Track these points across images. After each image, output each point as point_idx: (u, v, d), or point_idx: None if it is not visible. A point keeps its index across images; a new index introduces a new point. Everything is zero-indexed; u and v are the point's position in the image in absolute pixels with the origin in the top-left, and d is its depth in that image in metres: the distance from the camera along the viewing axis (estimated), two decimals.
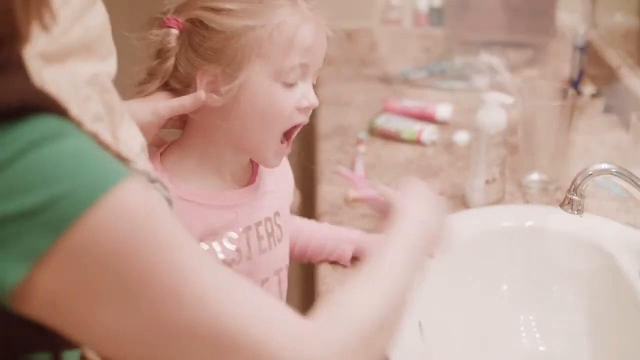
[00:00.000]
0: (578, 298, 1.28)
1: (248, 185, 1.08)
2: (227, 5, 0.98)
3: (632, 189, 1.14)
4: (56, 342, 0.61)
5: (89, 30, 0.69)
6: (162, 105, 0.99)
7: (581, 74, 1.83)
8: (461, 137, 1.66)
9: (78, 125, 0.59)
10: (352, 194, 1.45)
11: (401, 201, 0.92)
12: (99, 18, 0.71)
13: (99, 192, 0.55)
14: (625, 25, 1.88)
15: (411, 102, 1.81)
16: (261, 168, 1.09)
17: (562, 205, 1.17)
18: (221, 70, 0.98)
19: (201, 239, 1.00)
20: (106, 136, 0.64)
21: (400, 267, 0.80)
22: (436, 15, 2.18)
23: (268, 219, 1.09)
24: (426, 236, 0.88)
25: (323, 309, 0.72)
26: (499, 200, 1.41)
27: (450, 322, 1.19)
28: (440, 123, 1.73)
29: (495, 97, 1.38)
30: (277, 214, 1.10)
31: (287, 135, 1.04)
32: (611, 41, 1.90)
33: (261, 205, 1.08)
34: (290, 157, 1.11)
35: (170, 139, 1.07)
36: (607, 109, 1.78)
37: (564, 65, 1.88)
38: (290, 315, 0.67)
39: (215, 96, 0.99)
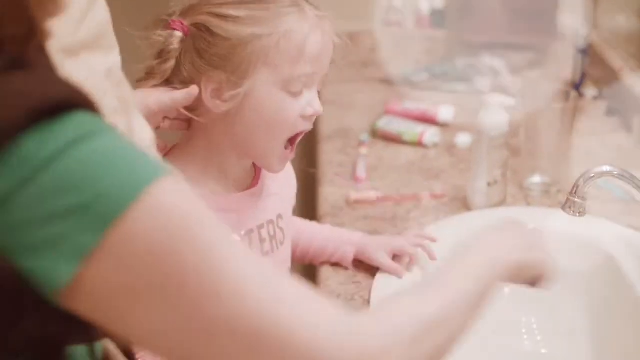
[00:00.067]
0: (580, 300, 1.28)
1: (250, 189, 1.08)
2: (233, 12, 0.97)
3: (634, 192, 1.14)
4: (92, 335, 0.62)
5: (97, 24, 0.70)
6: (153, 98, 0.99)
7: (583, 76, 1.83)
8: (463, 139, 1.66)
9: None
10: (354, 195, 1.45)
11: (485, 233, 0.87)
12: (103, 12, 0.72)
13: (137, 190, 0.55)
14: (627, 27, 1.88)
15: (413, 104, 1.81)
16: (264, 171, 1.09)
17: (564, 207, 1.17)
18: (226, 77, 0.98)
19: None
20: (123, 129, 0.65)
21: (456, 292, 0.75)
22: (438, 17, 2.18)
23: (270, 222, 1.09)
24: (497, 273, 0.82)
25: (368, 310, 0.71)
26: (501, 203, 1.40)
27: None
28: (442, 125, 1.73)
29: (497, 99, 1.38)
30: (279, 216, 1.10)
31: (291, 140, 1.04)
32: (613, 43, 1.90)
33: (264, 208, 1.08)
34: (292, 160, 1.11)
35: (170, 143, 1.07)
36: (609, 111, 1.77)
37: (566, 67, 1.88)
38: (331, 307, 0.66)
39: (219, 102, 0.99)
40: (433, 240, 1.22)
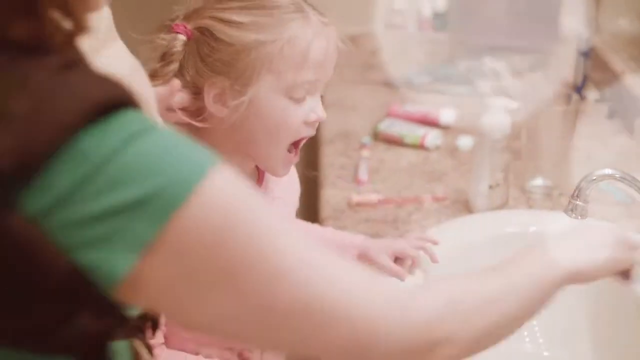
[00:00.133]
0: (582, 303, 1.28)
1: None
2: (237, 18, 0.97)
3: (636, 195, 1.14)
4: (133, 330, 0.64)
5: (106, 20, 0.70)
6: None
7: (585, 78, 1.83)
8: (465, 141, 1.66)
9: None
10: (355, 198, 1.45)
11: (556, 237, 0.86)
12: (105, 8, 0.73)
13: (194, 182, 0.57)
14: (629, 30, 1.88)
15: (415, 107, 1.81)
16: (267, 175, 1.09)
17: (566, 210, 1.17)
18: (230, 84, 0.97)
19: None
20: None
21: (507, 279, 0.76)
22: (440, 20, 2.18)
23: None
24: (554, 274, 0.80)
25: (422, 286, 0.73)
26: (503, 205, 1.40)
27: None
28: (444, 128, 1.73)
29: (499, 102, 1.38)
30: None
31: (295, 144, 1.04)
32: (615, 46, 1.90)
33: None
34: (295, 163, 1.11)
35: None
36: (611, 114, 1.78)
37: (568, 70, 1.88)
38: (387, 284, 0.69)
39: (221, 107, 0.99)
40: (435, 242, 1.22)
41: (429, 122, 1.74)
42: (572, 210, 1.16)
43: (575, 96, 1.47)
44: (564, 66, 1.92)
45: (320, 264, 0.64)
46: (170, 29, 1.00)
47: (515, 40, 2.04)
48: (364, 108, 1.87)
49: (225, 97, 0.98)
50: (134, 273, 0.55)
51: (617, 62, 1.83)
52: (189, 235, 0.57)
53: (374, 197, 1.45)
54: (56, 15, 0.56)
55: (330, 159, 1.64)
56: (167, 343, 1.06)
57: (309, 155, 1.73)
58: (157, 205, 0.55)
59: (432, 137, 1.67)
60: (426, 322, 0.68)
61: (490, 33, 2.06)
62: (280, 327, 0.62)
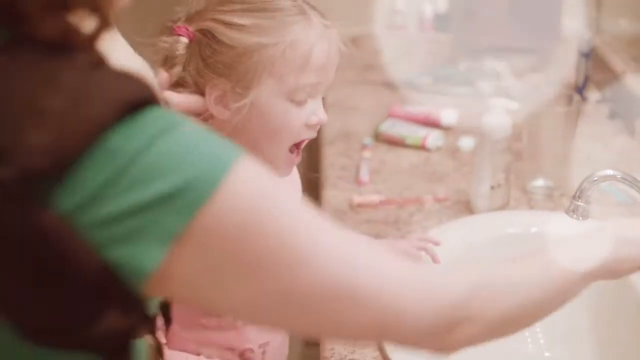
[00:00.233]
0: (583, 304, 1.27)
1: None
2: (238, 20, 0.97)
3: (637, 195, 1.14)
4: (155, 326, 0.65)
5: None
6: None
7: (586, 79, 1.83)
8: (466, 142, 1.66)
9: None
10: (357, 199, 1.45)
11: (590, 231, 0.86)
12: None
13: (221, 175, 0.58)
14: (630, 31, 1.88)
15: (416, 108, 1.81)
16: None
17: (567, 211, 1.17)
18: (231, 86, 0.97)
19: None
20: None
21: (544, 273, 0.77)
22: (441, 21, 2.18)
23: None
24: (579, 273, 0.81)
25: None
26: (504, 206, 1.41)
27: None
28: (445, 128, 1.73)
29: (500, 103, 1.38)
30: None
31: (296, 144, 1.04)
32: (616, 47, 1.90)
33: None
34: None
35: None
36: (612, 115, 1.78)
37: (569, 70, 1.88)
38: (415, 266, 0.70)
39: (222, 108, 0.99)
40: (436, 243, 1.22)
41: (430, 123, 1.74)
42: (573, 211, 1.16)
43: (576, 97, 1.47)
44: (565, 67, 1.92)
45: (349, 250, 0.65)
46: (172, 31, 1.00)
47: (516, 41, 2.04)
48: (365, 109, 1.87)
49: (226, 99, 0.98)
50: (163, 267, 0.56)
51: (618, 63, 1.83)
52: (215, 230, 0.58)
53: (375, 198, 1.46)
54: (83, 12, 0.56)
55: (331, 159, 1.64)
56: (168, 343, 1.06)
57: (310, 156, 1.74)
58: (187, 198, 0.56)
59: (433, 138, 1.67)
60: (451, 302, 0.69)
61: (491, 34, 2.06)
62: (306, 311, 0.63)
